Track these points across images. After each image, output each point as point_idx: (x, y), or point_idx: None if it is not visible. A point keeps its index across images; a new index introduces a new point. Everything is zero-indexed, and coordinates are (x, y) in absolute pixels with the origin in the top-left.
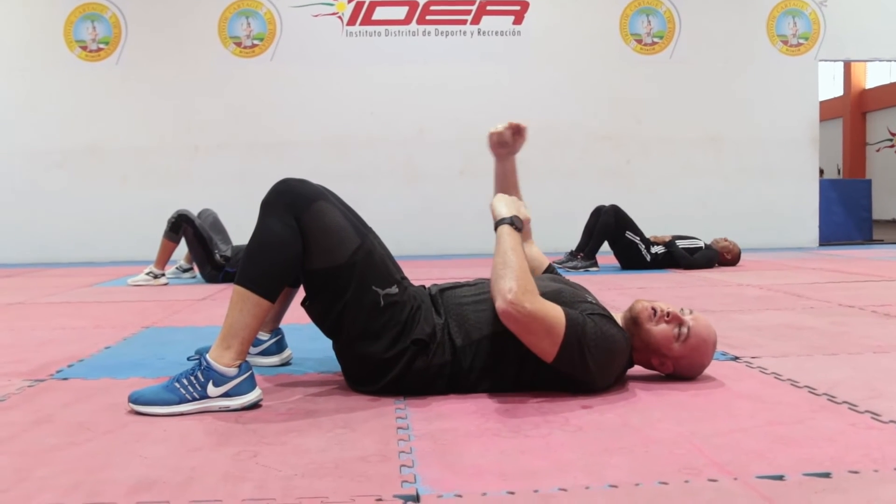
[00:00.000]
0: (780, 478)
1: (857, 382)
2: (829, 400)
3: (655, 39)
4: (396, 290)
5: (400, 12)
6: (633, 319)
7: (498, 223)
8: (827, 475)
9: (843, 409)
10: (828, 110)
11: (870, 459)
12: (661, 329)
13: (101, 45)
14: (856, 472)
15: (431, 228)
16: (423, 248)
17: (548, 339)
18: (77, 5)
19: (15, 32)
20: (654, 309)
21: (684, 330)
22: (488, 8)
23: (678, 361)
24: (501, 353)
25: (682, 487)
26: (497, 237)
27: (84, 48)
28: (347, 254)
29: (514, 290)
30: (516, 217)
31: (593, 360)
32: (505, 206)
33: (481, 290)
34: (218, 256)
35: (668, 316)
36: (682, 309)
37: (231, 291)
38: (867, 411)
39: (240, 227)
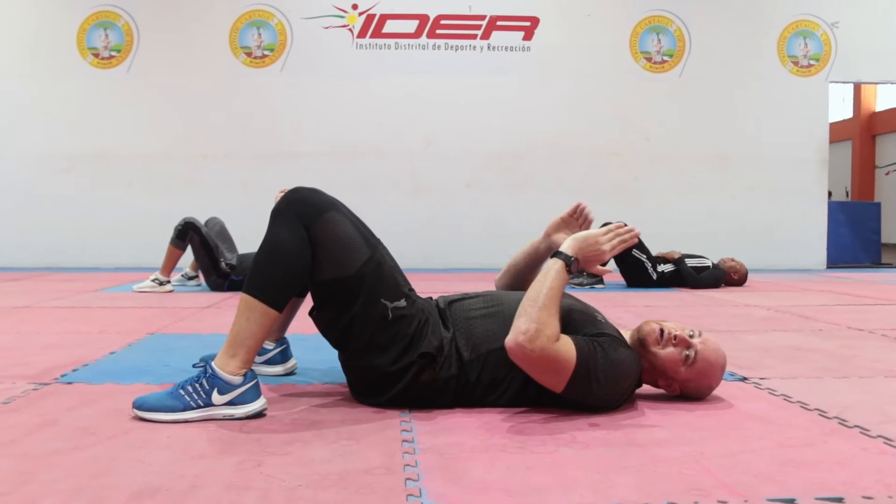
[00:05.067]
0: (792, 501)
1: (869, 406)
2: (840, 423)
3: (665, 58)
4: (405, 303)
5: (410, 26)
6: (641, 341)
7: (555, 255)
8: (839, 500)
9: (855, 433)
10: (837, 132)
11: (883, 485)
12: (667, 352)
13: (114, 53)
14: (869, 498)
15: (436, 241)
16: (427, 262)
17: (555, 377)
18: (90, 13)
19: (28, 38)
20: (661, 331)
21: (691, 353)
22: (498, 23)
23: (685, 384)
24: (509, 367)
25: None
26: (546, 268)
27: (96, 55)
28: (357, 265)
29: (529, 331)
30: (576, 261)
31: (601, 390)
32: (574, 244)
33: (490, 303)
34: (224, 265)
35: (675, 339)
36: (691, 331)
37: (237, 300)
38: (879, 436)
39: (246, 237)
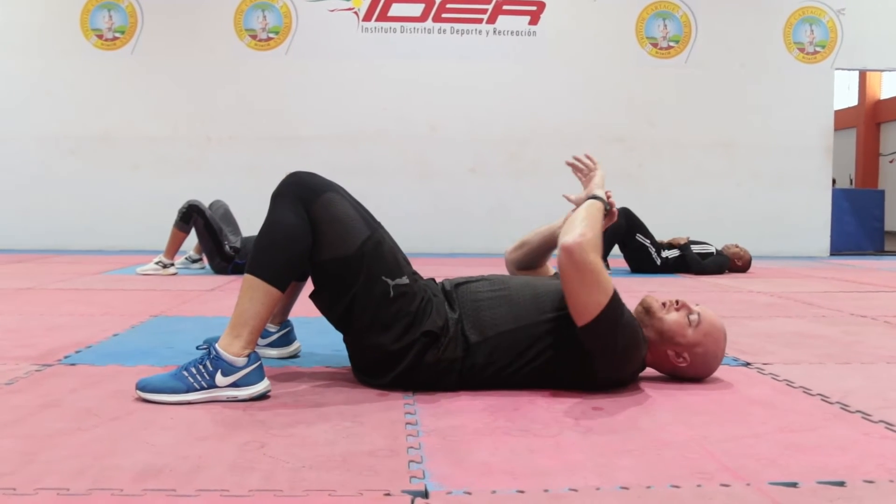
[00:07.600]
0: (794, 485)
1: (871, 392)
2: (842, 408)
3: (671, 43)
4: (406, 280)
5: (416, 9)
6: (646, 310)
7: (592, 197)
8: (841, 484)
9: (857, 418)
10: (842, 120)
11: (884, 469)
12: (673, 317)
13: (117, 34)
14: (871, 482)
15: (441, 226)
16: (431, 246)
17: (594, 296)
18: None
19: (32, 19)
20: (663, 303)
21: (695, 317)
22: (504, 7)
23: (693, 349)
24: (515, 352)
25: (695, 491)
26: (585, 205)
27: (100, 37)
28: (357, 244)
29: (586, 235)
30: (609, 204)
31: (623, 341)
32: (602, 190)
33: (497, 287)
34: (228, 248)
35: (677, 304)
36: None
37: (240, 283)
38: (881, 421)
39: (250, 220)
